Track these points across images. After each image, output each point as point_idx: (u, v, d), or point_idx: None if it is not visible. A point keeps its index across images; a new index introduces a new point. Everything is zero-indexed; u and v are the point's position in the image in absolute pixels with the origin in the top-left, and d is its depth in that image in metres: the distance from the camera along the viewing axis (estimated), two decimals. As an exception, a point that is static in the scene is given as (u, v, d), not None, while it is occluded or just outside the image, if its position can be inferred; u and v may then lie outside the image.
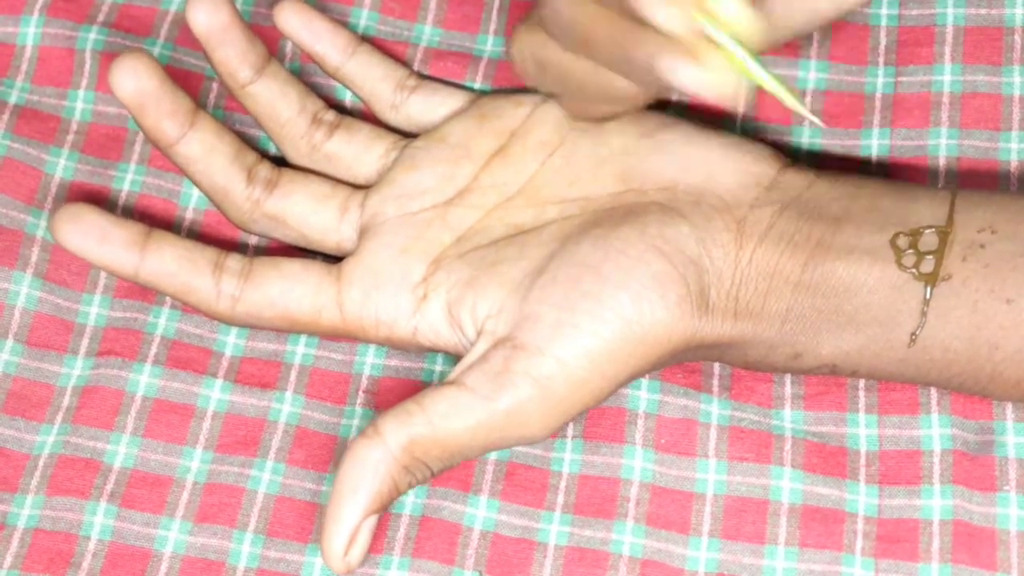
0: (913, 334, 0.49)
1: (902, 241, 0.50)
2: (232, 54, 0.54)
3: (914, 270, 0.49)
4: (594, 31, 0.47)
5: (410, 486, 0.50)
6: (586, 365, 0.49)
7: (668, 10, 0.43)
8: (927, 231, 0.50)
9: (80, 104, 0.59)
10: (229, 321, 0.53)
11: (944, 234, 0.49)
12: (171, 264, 0.53)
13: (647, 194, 0.52)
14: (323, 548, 0.49)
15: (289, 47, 0.60)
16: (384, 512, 0.50)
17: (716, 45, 0.44)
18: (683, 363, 0.53)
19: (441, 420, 0.49)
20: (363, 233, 0.54)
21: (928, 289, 0.49)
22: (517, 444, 0.50)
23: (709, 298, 0.50)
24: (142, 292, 0.55)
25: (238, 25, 0.54)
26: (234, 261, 0.53)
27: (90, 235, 0.53)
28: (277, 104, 0.56)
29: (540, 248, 0.51)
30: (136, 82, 0.52)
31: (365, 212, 0.54)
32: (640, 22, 0.45)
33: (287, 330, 0.54)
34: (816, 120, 0.46)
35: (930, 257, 0.49)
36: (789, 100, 0.45)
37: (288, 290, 0.53)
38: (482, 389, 0.49)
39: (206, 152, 0.54)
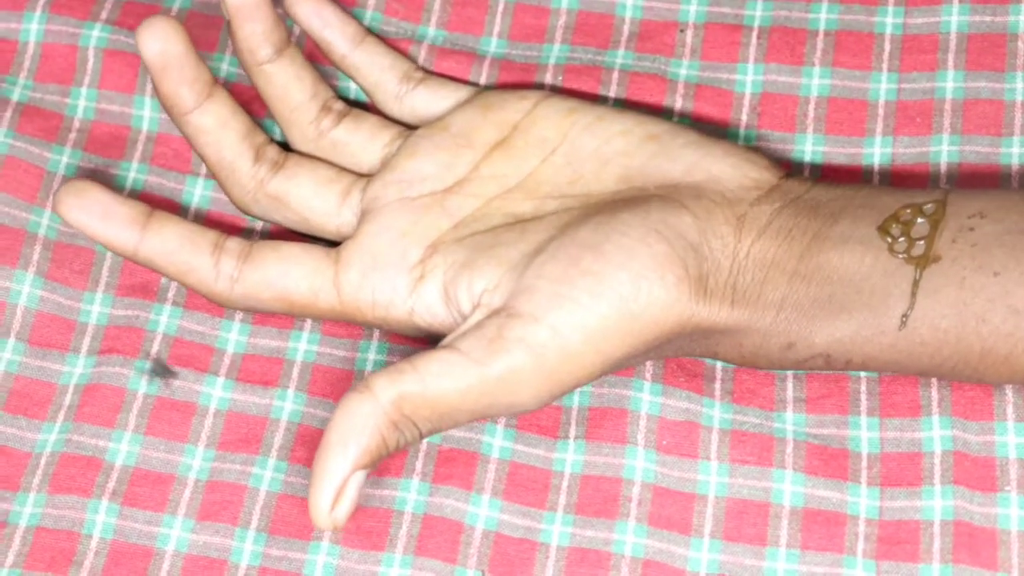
0: (904, 316, 0.49)
1: (895, 229, 0.50)
2: (258, 30, 0.55)
3: (905, 255, 0.50)
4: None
5: (399, 446, 0.50)
6: (581, 338, 0.49)
7: None
8: (919, 220, 0.50)
9: (83, 102, 0.59)
10: (227, 303, 0.53)
11: (936, 221, 0.50)
12: (171, 243, 0.53)
13: (649, 190, 0.52)
14: (310, 503, 0.49)
15: (293, 40, 0.60)
16: (372, 469, 0.50)
17: None
18: (684, 366, 0.53)
19: (432, 380, 0.49)
20: (363, 217, 0.54)
21: (918, 270, 0.49)
22: (507, 412, 0.50)
23: (707, 284, 0.50)
24: (144, 290, 0.55)
25: (267, 3, 0.55)
26: (234, 243, 0.54)
27: (93, 211, 0.53)
28: (291, 87, 0.56)
29: (540, 233, 0.52)
30: (163, 44, 0.53)
31: (366, 197, 0.54)
32: None
33: (285, 312, 0.54)
34: None
35: (921, 242, 0.50)
36: None
37: (286, 271, 0.53)
38: (475, 353, 0.49)
39: (218, 125, 0.54)
